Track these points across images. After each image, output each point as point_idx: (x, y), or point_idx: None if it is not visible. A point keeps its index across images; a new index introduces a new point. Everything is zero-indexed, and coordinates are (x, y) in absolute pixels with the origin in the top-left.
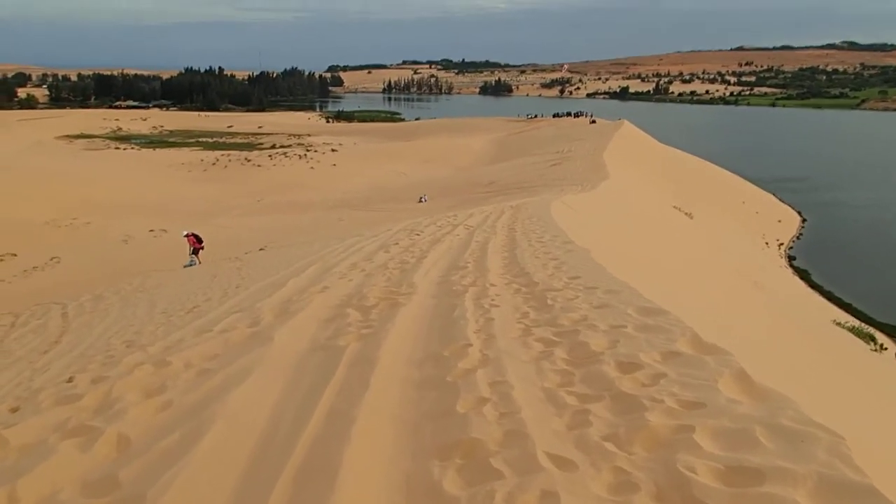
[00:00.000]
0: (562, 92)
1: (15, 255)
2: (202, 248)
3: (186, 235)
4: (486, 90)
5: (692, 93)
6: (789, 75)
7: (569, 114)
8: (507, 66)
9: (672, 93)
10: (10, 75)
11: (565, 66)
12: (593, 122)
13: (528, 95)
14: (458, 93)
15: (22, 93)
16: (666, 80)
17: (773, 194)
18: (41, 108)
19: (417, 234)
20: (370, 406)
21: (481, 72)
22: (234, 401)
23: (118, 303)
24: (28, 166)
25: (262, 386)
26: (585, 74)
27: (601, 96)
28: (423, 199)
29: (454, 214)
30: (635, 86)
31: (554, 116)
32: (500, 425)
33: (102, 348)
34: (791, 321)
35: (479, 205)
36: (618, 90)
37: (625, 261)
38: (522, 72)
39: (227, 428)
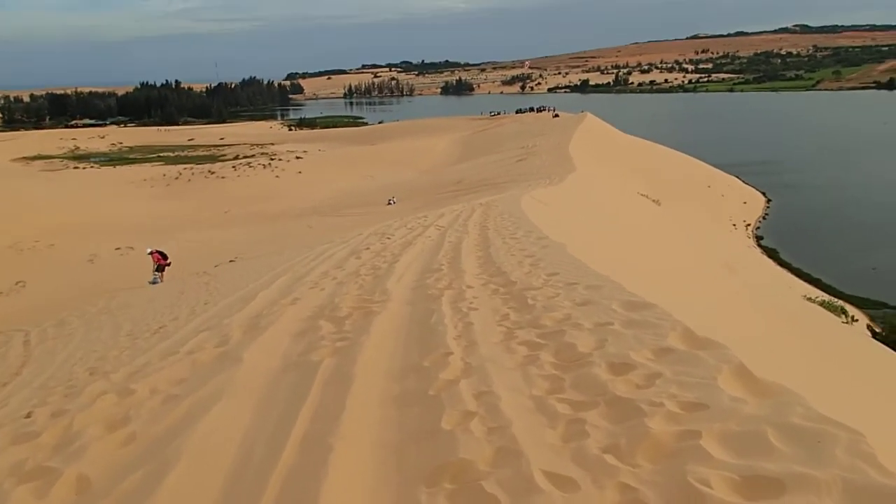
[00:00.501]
0: (523, 88)
1: None
2: (168, 264)
3: (150, 253)
4: (447, 90)
5: (651, 82)
6: (745, 60)
7: (531, 109)
8: (467, 65)
9: (632, 83)
10: None
11: (527, 63)
12: (556, 116)
13: (489, 93)
14: (420, 94)
15: None
16: (625, 71)
17: (737, 177)
18: None
19: (388, 238)
20: (348, 430)
21: (441, 72)
22: (202, 431)
23: (82, 327)
24: None
25: (232, 412)
26: (545, 70)
27: (562, 90)
28: (391, 202)
29: (424, 215)
30: (595, 78)
31: (517, 112)
32: (489, 442)
33: (64, 378)
34: (768, 302)
35: (448, 204)
36: (578, 83)
37: (600, 253)
38: (482, 70)
39: (194, 463)
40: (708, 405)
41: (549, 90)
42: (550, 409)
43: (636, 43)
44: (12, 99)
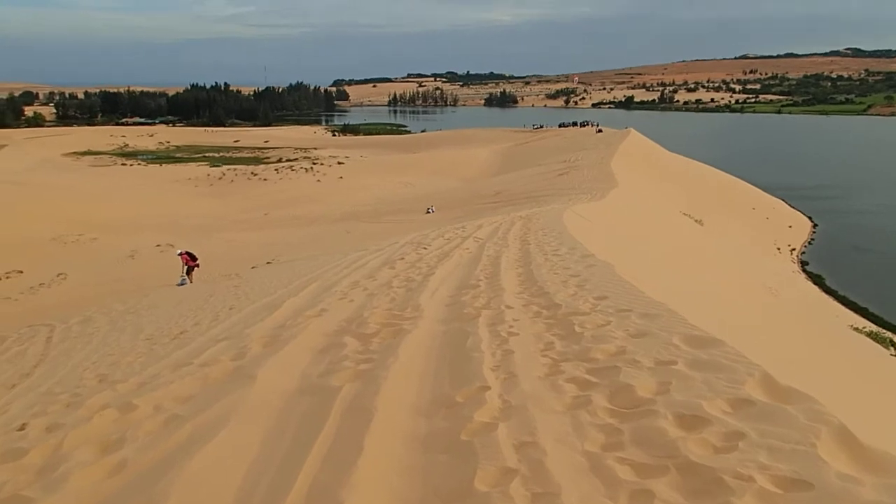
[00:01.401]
0: (567, 102)
1: (21, 272)
2: (196, 266)
3: (180, 254)
4: (491, 102)
5: (697, 101)
6: (794, 82)
7: (575, 124)
8: (511, 77)
9: (677, 101)
10: (17, 94)
11: (576, 77)
12: (599, 131)
13: (533, 106)
14: (464, 105)
15: (29, 111)
16: (671, 89)
17: (783, 200)
18: (48, 126)
19: (424, 248)
20: (363, 479)
21: (486, 84)
22: (197, 466)
23: (105, 326)
24: (35, 183)
25: (234, 444)
26: (590, 85)
27: (606, 106)
28: (430, 210)
29: (462, 226)
30: (640, 95)
31: (560, 126)
32: None
33: (73, 384)
34: (816, 330)
35: (487, 215)
36: (623, 100)
37: (648, 275)
38: (527, 83)
39: None
40: (812, 484)
41: (594, 105)
42: (608, 472)
43: (683, 61)
44: (67, 95)
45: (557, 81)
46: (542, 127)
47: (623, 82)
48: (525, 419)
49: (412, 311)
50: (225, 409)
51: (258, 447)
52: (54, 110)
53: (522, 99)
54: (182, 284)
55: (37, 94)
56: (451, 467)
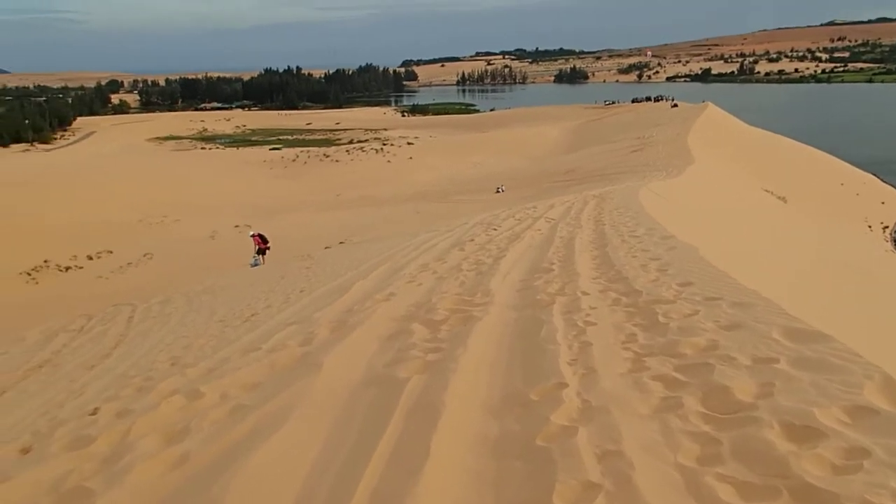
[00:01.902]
0: (640, 77)
1: (111, 252)
2: (268, 248)
3: (252, 235)
4: (561, 78)
5: (780, 72)
6: (887, 49)
7: (648, 98)
8: (581, 52)
9: (758, 73)
10: (104, 83)
11: (649, 52)
12: (675, 105)
13: (604, 82)
14: (533, 82)
15: (115, 99)
16: (751, 59)
17: (875, 175)
18: (133, 113)
19: (495, 229)
20: (430, 488)
21: (556, 60)
22: (257, 463)
23: (183, 306)
24: (122, 168)
25: (296, 441)
26: (664, 58)
27: (682, 80)
28: (500, 190)
29: (533, 206)
30: (718, 67)
31: (633, 102)
32: None
33: (146, 367)
34: None
35: (558, 194)
36: (699, 72)
37: (733, 258)
38: (598, 58)
39: None
40: None
41: (668, 79)
42: (707, 492)
43: (764, 30)
44: (149, 83)
45: (630, 55)
46: (614, 103)
47: (699, 54)
48: (607, 423)
49: (482, 296)
50: (289, 399)
51: (320, 445)
52: (138, 97)
53: (593, 74)
54: (255, 265)
55: (122, 82)
56: (525, 477)
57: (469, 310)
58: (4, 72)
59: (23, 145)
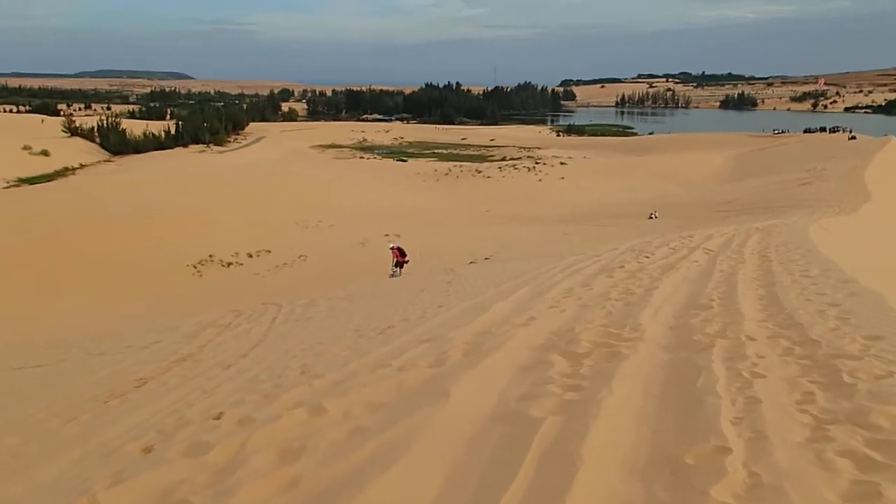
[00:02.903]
0: (814, 106)
1: (269, 251)
2: (406, 261)
3: (391, 248)
4: (727, 104)
5: None
6: None
7: (823, 129)
8: (752, 78)
9: None
10: (276, 91)
11: (821, 80)
12: (853, 138)
13: (774, 109)
14: (696, 107)
15: (285, 107)
16: None
17: None
18: (300, 121)
19: (647, 257)
20: None
21: (723, 85)
22: (369, 498)
23: (324, 311)
24: (287, 172)
25: (412, 479)
26: (844, 87)
27: (862, 110)
28: (653, 216)
29: (690, 235)
30: None
31: (804, 132)
32: None
33: (278, 372)
34: None
35: (717, 225)
36: (883, 104)
37: None
38: (769, 84)
39: None
40: None
41: (847, 109)
42: None
43: None
44: (317, 93)
45: (805, 83)
46: (783, 132)
47: (885, 84)
48: None
49: (631, 330)
50: (412, 428)
51: (439, 485)
52: (306, 106)
53: (763, 101)
54: (393, 276)
55: (293, 91)
56: None
57: (615, 345)
58: (190, 77)
59: (200, 146)
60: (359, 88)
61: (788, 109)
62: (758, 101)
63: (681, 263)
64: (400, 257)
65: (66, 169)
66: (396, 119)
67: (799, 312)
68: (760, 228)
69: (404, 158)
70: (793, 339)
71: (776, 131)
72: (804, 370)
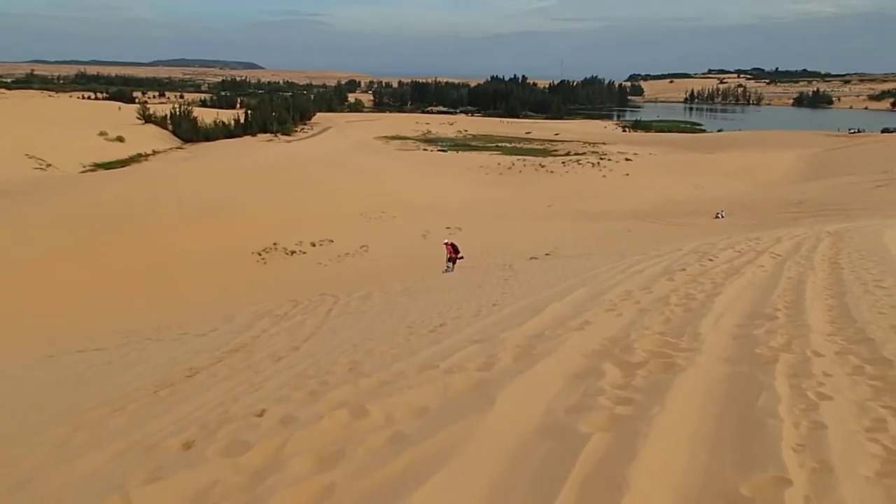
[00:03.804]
0: (894, 105)
1: (332, 241)
2: (460, 258)
3: (445, 243)
4: (801, 101)
5: None
6: None
7: None
8: (828, 75)
9: None
10: (343, 82)
11: None
12: None
13: (851, 108)
14: (768, 104)
15: (352, 98)
16: None
17: None
18: (366, 111)
19: (710, 260)
20: None
21: (797, 81)
22: None
23: (379, 305)
24: (351, 163)
25: (450, 493)
26: None
27: None
28: (720, 215)
29: (757, 237)
30: None
31: (882, 132)
32: None
33: (326, 368)
34: None
35: (786, 227)
36: None
37: None
38: (846, 81)
39: None
40: None
41: None
42: None
43: None
44: (384, 84)
45: (884, 80)
46: (860, 131)
47: None
48: None
49: (689, 340)
50: (453, 438)
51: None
52: (372, 97)
53: (839, 99)
54: (446, 272)
55: (359, 82)
56: None
57: (672, 355)
58: (260, 67)
59: (268, 135)
60: (424, 80)
61: (866, 108)
62: (833, 98)
63: (746, 268)
64: (453, 253)
65: (140, 155)
66: (461, 112)
67: (871, 327)
68: (832, 233)
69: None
70: (863, 356)
71: (852, 130)
72: (875, 393)
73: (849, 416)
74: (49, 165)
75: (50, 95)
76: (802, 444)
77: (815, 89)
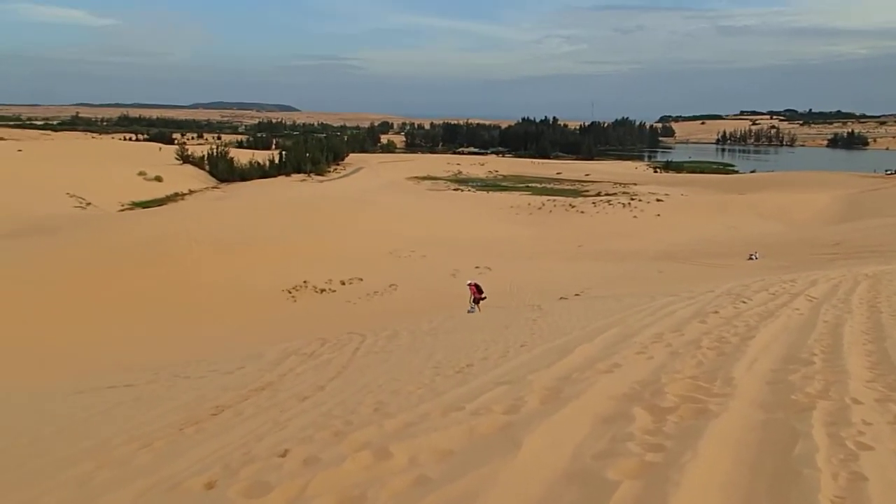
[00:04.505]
0: None
1: (361, 279)
2: (483, 298)
3: (469, 284)
4: (835, 142)
5: None
6: None
7: None
8: (863, 116)
9: None
10: (376, 124)
11: None
12: None
13: (887, 149)
14: (802, 145)
15: (384, 139)
16: None
17: None
18: (398, 152)
19: (744, 302)
20: None
21: (831, 123)
22: None
23: (406, 344)
24: (382, 202)
25: None
26: None
27: None
28: (753, 257)
29: (792, 279)
30: None
31: None
32: None
33: (350, 408)
34: None
35: (821, 268)
36: None
37: None
38: (882, 123)
39: None
40: None
41: None
42: None
43: None
44: (416, 126)
45: None
46: None
47: None
48: None
49: (723, 385)
50: (477, 483)
51: None
52: (404, 138)
53: (875, 141)
54: (470, 312)
55: (392, 124)
56: None
57: (705, 400)
58: (296, 110)
59: (301, 175)
60: (456, 122)
61: None
62: (869, 140)
63: (781, 311)
64: (477, 294)
65: (177, 194)
66: (492, 152)
67: None
68: (870, 275)
69: (495, 190)
70: None
71: (889, 172)
72: None
73: (890, 466)
74: (89, 204)
75: (93, 137)
76: (841, 497)
77: (850, 130)
